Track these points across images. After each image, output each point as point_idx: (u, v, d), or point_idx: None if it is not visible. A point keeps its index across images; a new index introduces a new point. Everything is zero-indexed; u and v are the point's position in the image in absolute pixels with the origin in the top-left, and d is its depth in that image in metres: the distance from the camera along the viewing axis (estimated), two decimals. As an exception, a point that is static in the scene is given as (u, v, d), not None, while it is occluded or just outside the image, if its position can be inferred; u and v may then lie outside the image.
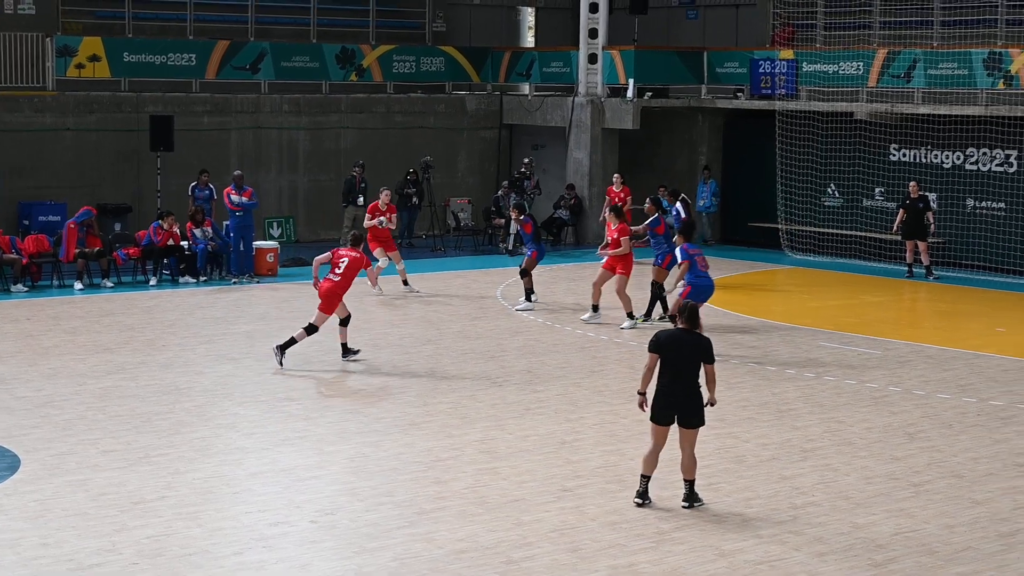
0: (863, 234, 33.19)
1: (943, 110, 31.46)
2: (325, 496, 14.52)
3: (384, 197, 28.07)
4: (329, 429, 17.28)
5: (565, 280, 28.88)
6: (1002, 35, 31.95)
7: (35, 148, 31.58)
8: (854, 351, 22.64)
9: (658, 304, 24.58)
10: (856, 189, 33.67)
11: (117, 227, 30.86)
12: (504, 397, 19.12)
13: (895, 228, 30.98)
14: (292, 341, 20.85)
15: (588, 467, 15.73)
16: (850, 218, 33.69)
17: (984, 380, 20.62)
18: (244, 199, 28.77)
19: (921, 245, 30.54)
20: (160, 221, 28.71)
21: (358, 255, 21.20)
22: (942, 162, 32.19)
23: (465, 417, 17.98)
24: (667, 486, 14.59)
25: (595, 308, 24.78)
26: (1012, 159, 30.96)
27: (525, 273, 26.00)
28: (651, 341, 14.36)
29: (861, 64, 33.13)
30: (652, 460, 14.27)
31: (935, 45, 32.62)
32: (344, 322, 21.30)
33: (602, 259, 24.61)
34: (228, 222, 29.20)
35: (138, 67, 33.43)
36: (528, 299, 26.05)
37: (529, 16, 43.60)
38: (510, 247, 33.69)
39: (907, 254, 30.89)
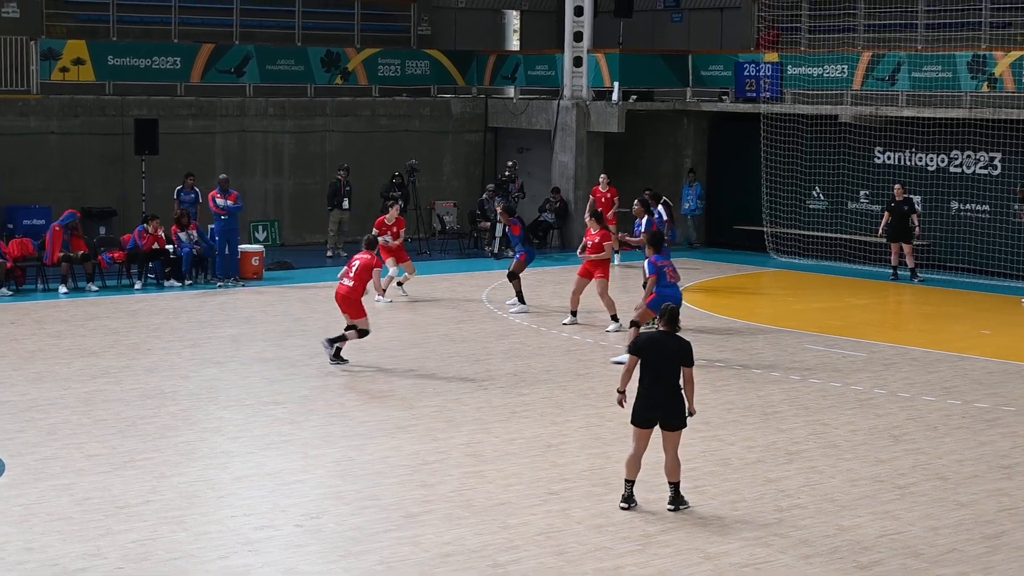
0: (848, 237, 33.23)
1: (927, 113, 31.52)
2: (310, 500, 14.51)
3: (393, 212, 28.04)
4: (314, 433, 17.27)
5: (551, 283, 28.88)
6: (986, 38, 32.03)
7: (19, 152, 31.50)
8: (839, 353, 22.67)
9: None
10: (841, 192, 33.71)
11: (102, 231, 30.80)
12: (490, 400, 19.11)
13: (881, 231, 31.02)
14: (342, 339, 21.18)
15: (574, 470, 15.73)
16: (835, 221, 33.74)
17: (969, 382, 20.66)
18: (229, 203, 28.74)
19: (906, 247, 30.59)
20: (145, 225, 28.66)
21: (369, 257, 21.25)
22: (927, 165, 32.25)
23: (451, 420, 17.97)
24: (653, 489, 14.59)
25: (574, 314, 24.83)
26: (996, 162, 31.02)
27: (513, 276, 26.01)
28: (631, 343, 14.41)
29: (846, 67, 33.19)
30: (635, 464, 14.28)
31: (919, 48, 32.69)
32: (359, 333, 21.25)
33: (580, 261, 24.74)
34: (213, 226, 29.17)
35: (123, 70, 33.38)
36: (521, 301, 26.06)
37: (514, 19, 43.63)
38: (496, 250, 33.70)
39: (892, 256, 30.93)
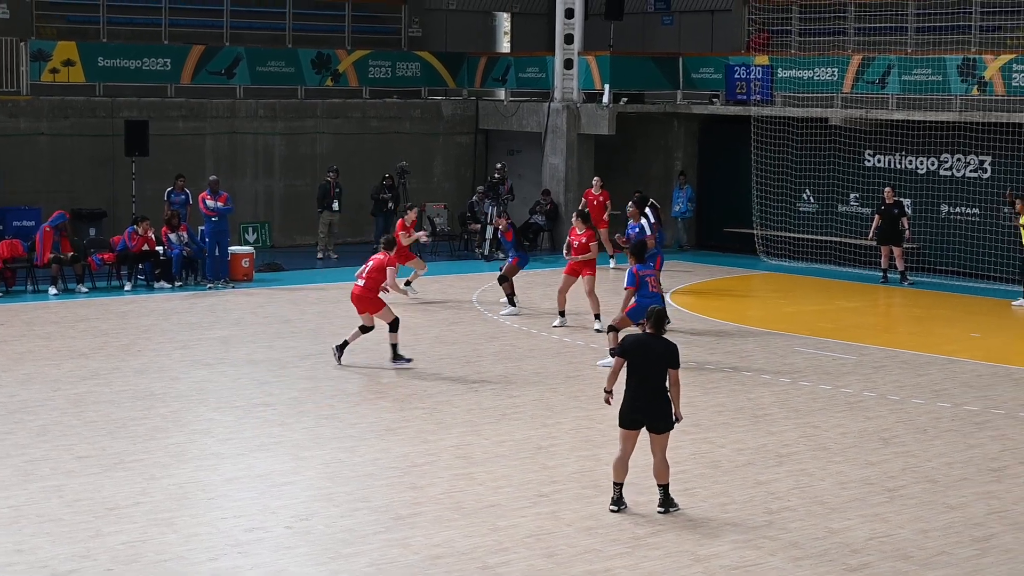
0: (838, 239, 33.27)
1: (918, 116, 31.57)
2: (300, 502, 14.50)
3: (411, 215, 28.07)
4: (304, 435, 17.26)
5: (541, 286, 28.87)
6: (976, 41, 32.08)
7: (9, 153, 31.46)
8: (829, 356, 22.69)
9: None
10: (831, 195, 33.75)
11: (92, 232, 30.78)
12: (480, 402, 19.11)
13: (871, 234, 31.05)
14: (393, 346, 21.19)
15: (564, 472, 15.74)
16: (825, 224, 33.77)
17: (958, 385, 20.69)
18: (219, 204, 28.72)
19: (896, 250, 30.63)
20: (135, 226, 28.63)
21: (382, 256, 21.26)
22: (917, 168, 32.29)
23: (441, 422, 17.97)
24: (643, 491, 14.60)
25: (562, 314, 24.86)
26: (986, 165, 31.07)
27: (504, 279, 26.02)
28: (619, 345, 14.43)
29: (836, 70, 33.23)
30: (622, 466, 14.29)
31: (909, 51, 32.74)
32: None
33: (565, 262, 24.80)
34: (203, 227, 29.15)
35: (113, 72, 33.35)
36: (511, 303, 26.08)
37: (505, 21, 43.63)
38: (486, 252, 33.71)
39: (882, 259, 30.98)
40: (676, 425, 14.43)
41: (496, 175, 35.16)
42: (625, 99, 36.16)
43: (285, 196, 35.70)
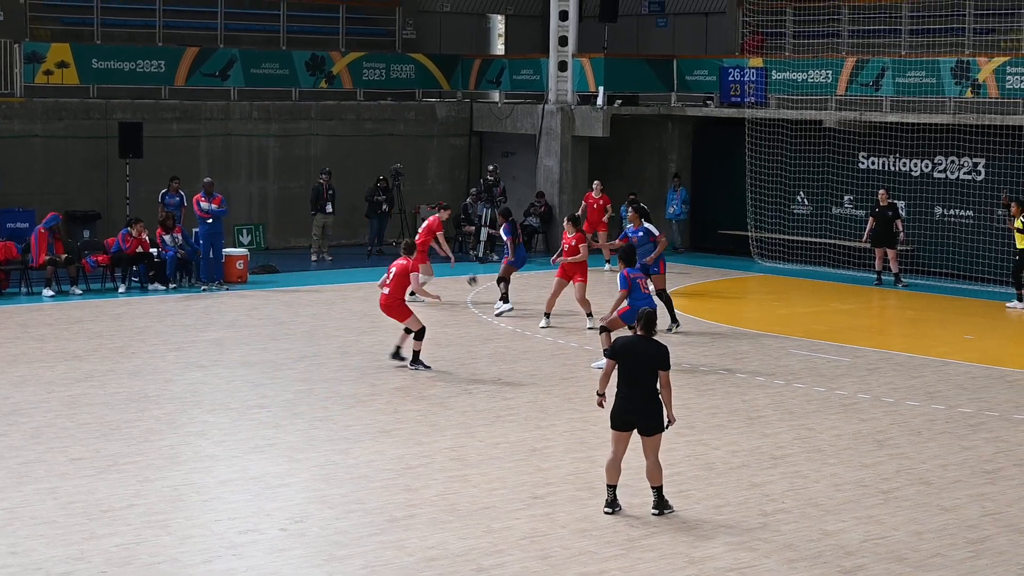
0: (832, 242, 33.29)
1: (911, 118, 31.60)
2: (295, 504, 14.49)
3: (446, 214, 28.19)
4: (299, 437, 17.25)
5: (535, 288, 28.86)
6: (969, 44, 32.12)
7: (3, 155, 31.43)
8: (823, 358, 22.70)
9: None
10: (825, 197, 33.77)
11: (86, 234, 30.76)
12: (474, 404, 19.11)
13: (865, 236, 31.07)
14: (415, 353, 21.11)
15: (558, 474, 15.74)
16: (819, 226, 33.79)
17: (952, 387, 20.71)
18: (213, 206, 28.70)
19: (890, 253, 30.66)
20: (129, 228, 28.61)
21: (404, 262, 21.14)
22: (911, 170, 32.32)
23: (435, 424, 17.97)
24: (637, 493, 14.60)
25: (547, 315, 25.01)
26: (980, 167, 31.10)
27: (503, 279, 26.18)
28: (610, 347, 14.45)
29: (830, 72, 33.26)
30: (614, 468, 14.29)
31: (903, 54, 32.77)
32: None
33: (556, 266, 24.91)
34: (197, 229, 29.14)
35: (107, 74, 33.34)
36: (505, 301, 26.21)
37: (499, 24, 43.62)
38: (480, 254, 33.71)
39: (876, 262, 31.01)
40: (670, 428, 14.45)
41: (489, 177, 35.16)
42: (619, 101, 36.18)
43: (279, 198, 35.70)
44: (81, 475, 15.36)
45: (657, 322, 14.74)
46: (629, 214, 25.61)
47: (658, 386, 14.14)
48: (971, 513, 14.59)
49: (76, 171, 32.48)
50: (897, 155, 32.42)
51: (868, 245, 31.14)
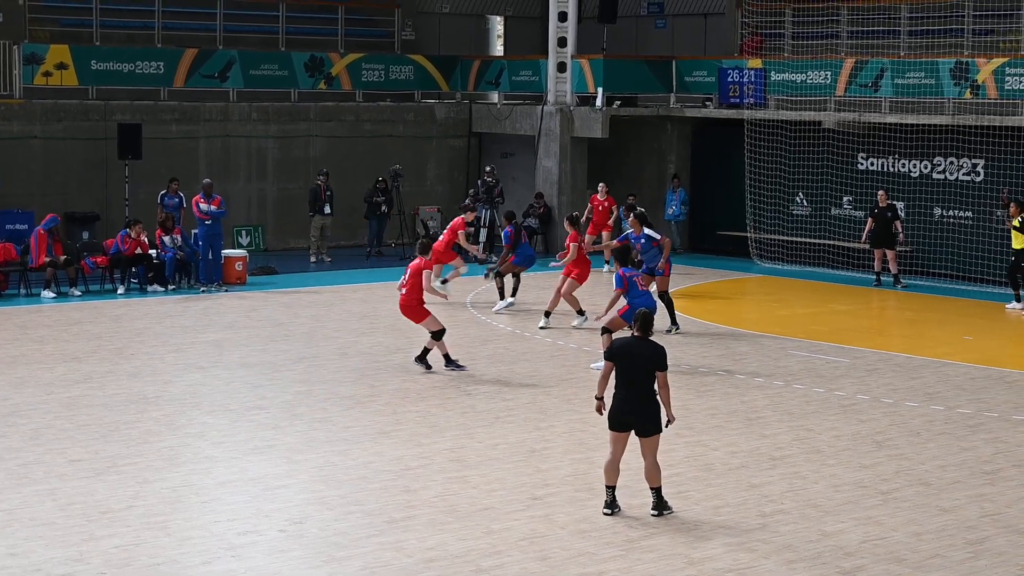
0: (831, 243, 33.29)
1: (911, 119, 31.61)
2: (294, 505, 14.49)
3: (471, 215, 28.48)
4: (298, 438, 17.25)
5: (535, 289, 28.84)
6: (968, 45, 32.12)
7: (2, 156, 31.41)
8: (823, 359, 22.70)
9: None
10: (824, 198, 33.78)
11: (85, 235, 30.75)
12: (473, 406, 19.11)
13: (864, 237, 31.08)
14: (445, 355, 21.10)
15: (558, 475, 15.74)
16: (818, 227, 33.80)
17: (951, 388, 20.71)
18: (213, 207, 28.70)
19: (889, 254, 30.67)
20: (128, 229, 28.60)
21: (419, 261, 21.10)
22: (910, 171, 32.33)
23: (434, 426, 17.97)
24: (636, 494, 14.60)
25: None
26: (979, 168, 31.10)
27: (499, 274, 26.64)
28: (607, 349, 14.45)
29: (829, 73, 33.26)
30: (613, 469, 14.29)
31: (902, 55, 32.78)
32: (433, 335, 21.12)
33: (559, 268, 25.05)
34: (197, 230, 29.13)
35: (106, 75, 33.33)
36: (502, 297, 26.52)
37: (498, 25, 43.62)
38: (480, 255, 33.71)
39: (875, 262, 31.02)
40: (669, 427, 14.46)
41: (488, 178, 35.12)
42: (618, 102, 36.18)
43: (278, 199, 35.70)
44: (80, 476, 15.36)
45: (654, 323, 14.75)
46: (630, 220, 25.62)
47: (656, 387, 14.15)
48: (970, 514, 14.59)
49: (75, 172, 32.48)
50: (896, 156, 32.43)
51: (867, 246, 31.15)
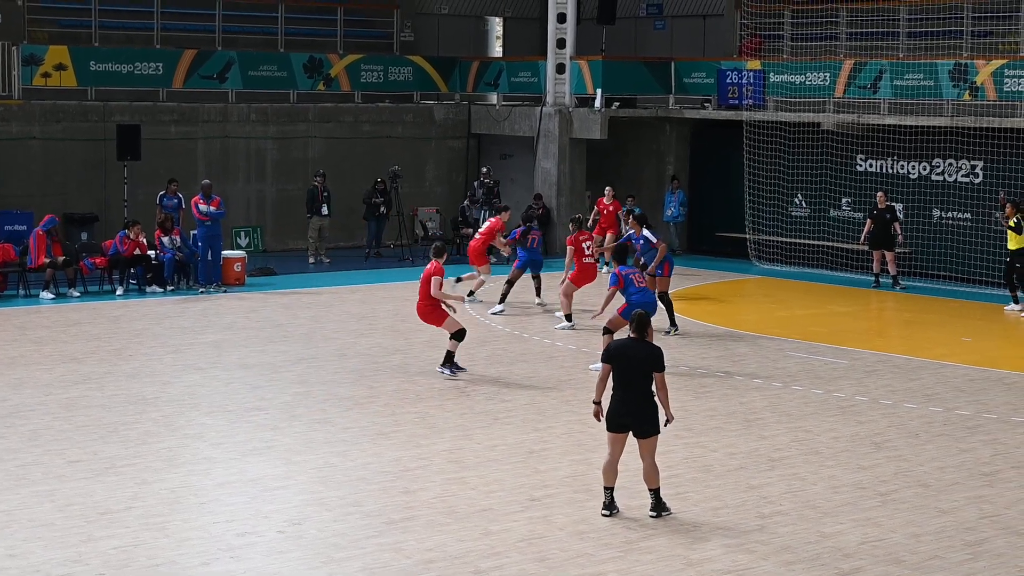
0: (830, 244, 33.30)
1: (909, 121, 31.61)
2: (293, 506, 14.49)
3: (506, 216, 28.43)
4: (297, 439, 17.25)
5: (532, 290, 28.82)
6: (967, 46, 32.12)
7: (1, 157, 31.41)
8: (821, 361, 22.71)
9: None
10: (823, 199, 33.78)
11: (84, 236, 30.75)
12: (472, 407, 19.11)
13: (863, 238, 31.08)
14: (448, 353, 20.96)
15: (556, 477, 15.74)
16: (817, 228, 33.80)
17: (950, 390, 20.71)
18: (212, 208, 28.69)
19: (888, 255, 30.67)
20: (126, 230, 28.60)
21: (431, 266, 20.95)
22: (908, 173, 32.33)
23: (433, 427, 17.97)
24: (635, 495, 14.60)
25: (568, 317, 25.15)
26: (978, 170, 31.11)
27: (509, 282, 26.95)
28: (604, 351, 14.46)
29: (828, 75, 33.26)
30: (611, 470, 14.29)
31: (901, 56, 32.78)
32: (453, 335, 20.96)
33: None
34: (196, 231, 29.14)
35: (105, 76, 33.32)
36: (500, 301, 26.84)
37: (497, 26, 43.62)
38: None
39: (874, 264, 31.03)
40: (668, 427, 14.47)
41: (487, 179, 35.07)
42: (617, 103, 36.19)
43: (277, 200, 35.69)
44: (79, 477, 15.36)
45: (651, 324, 14.75)
46: (629, 221, 25.71)
47: (654, 388, 14.15)
48: (969, 515, 14.60)
49: (74, 173, 32.47)
50: (895, 157, 32.43)
51: (866, 247, 31.15)
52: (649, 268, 24.00)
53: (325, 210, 33.45)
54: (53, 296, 27.37)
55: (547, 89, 36.56)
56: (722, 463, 16.48)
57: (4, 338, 23.45)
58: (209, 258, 28.88)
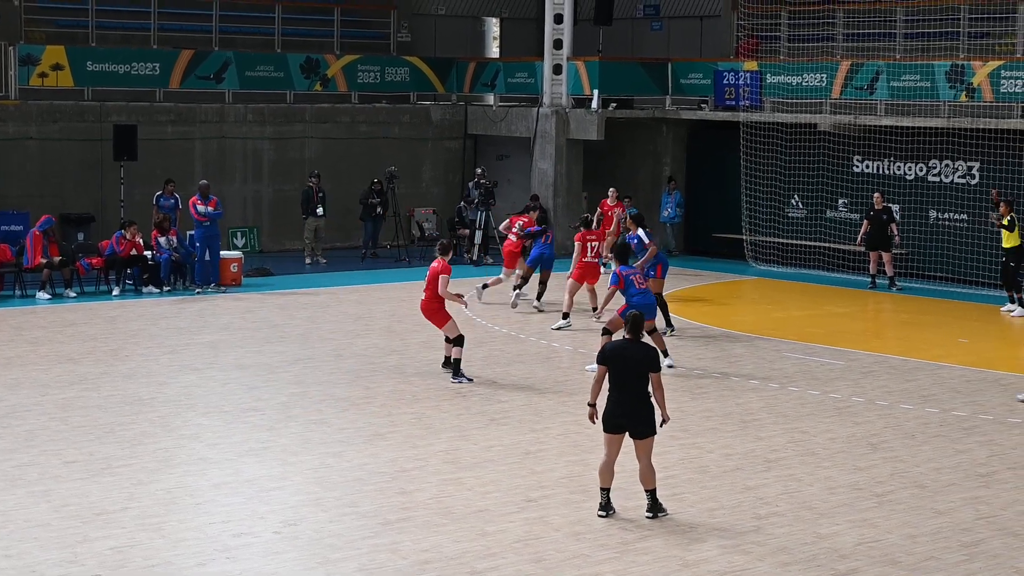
0: (827, 245, 33.30)
1: (906, 122, 31.62)
2: (289, 507, 14.48)
3: (535, 216, 28.58)
4: (293, 440, 17.24)
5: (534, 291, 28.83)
6: (964, 48, 32.13)
7: (-2, 157, 31.46)
8: (818, 362, 22.71)
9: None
10: (820, 200, 33.78)
11: (80, 237, 30.73)
12: (468, 408, 19.11)
13: (859, 239, 31.10)
14: (455, 362, 20.75)
15: (552, 477, 15.73)
16: (814, 229, 33.80)
17: (946, 390, 20.72)
18: (210, 209, 28.69)
19: (885, 256, 30.68)
20: (123, 231, 28.58)
21: (437, 264, 20.79)
22: (905, 174, 32.34)
23: (429, 427, 17.97)
24: (631, 496, 14.60)
25: (565, 316, 25.29)
26: (974, 171, 31.12)
27: (523, 278, 27.25)
28: (599, 352, 14.47)
29: (825, 76, 33.27)
30: (607, 471, 14.30)
31: (898, 57, 32.79)
32: (453, 341, 20.80)
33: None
34: (193, 232, 29.13)
35: (101, 76, 33.30)
36: (517, 287, 27.21)
37: (494, 27, 43.64)
38: (475, 257, 33.70)
39: (871, 265, 31.03)
40: (664, 428, 14.47)
41: (483, 180, 34.98)
42: (614, 104, 36.20)
43: (274, 201, 35.68)
44: (75, 478, 15.35)
45: (645, 325, 14.76)
46: (626, 221, 25.79)
47: (649, 389, 14.15)
48: (965, 516, 14.60)
49: (71, 173, 32.45)
50: (892, 159, 32.44)
51: (863, 248, 31.16)
52: (638, 266, 24.04)
53: (320, 211, 33.42)
54: (49, 296, 27.36)
55: (544, 90, 36.55)
56: (718, 464, 16.48)
57: (0, 338, 23.43)
58: (207, 258, 28.86)
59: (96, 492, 14.80)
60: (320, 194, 33.43)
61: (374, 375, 21.08)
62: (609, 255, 25.76)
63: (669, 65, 36.85)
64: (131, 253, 28.47)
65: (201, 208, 28.62)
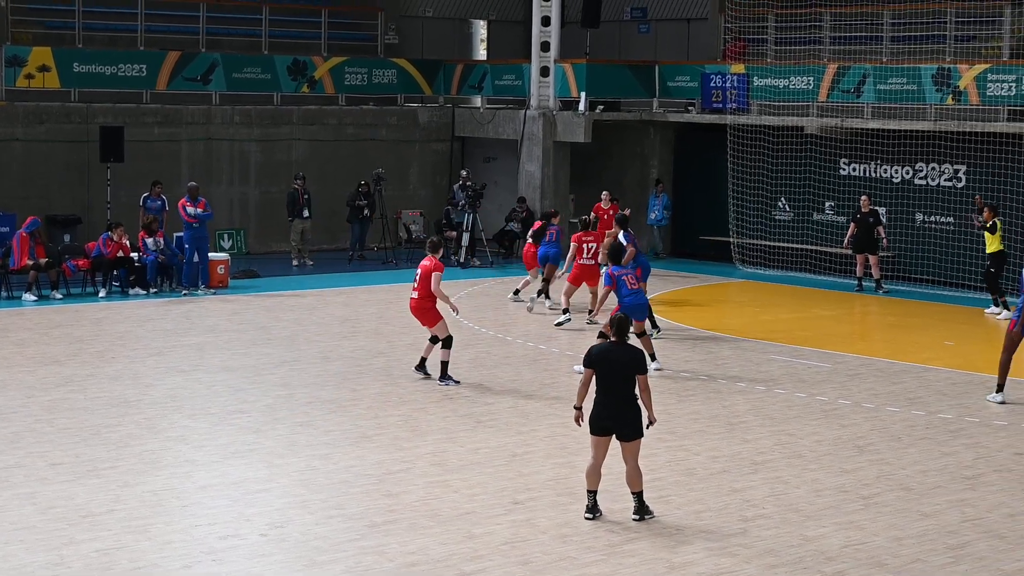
0: (814, 248, 33.34)
1: (893, 125, 31.67)
2: (275, 509, 14.47)
3: (556, 220, 28.62)
4: (279, 442, 17.22)
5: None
6: (950, 51, 32.18)
7: (-16, 159, 31.40)
8: (804, 364, 22.73)
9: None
10: (807, 203, 33.82)
11: (66, 238, 30.68)
12: (455, 410, 19.10)
13: (846, 242, 31.15)
14: (443, 364, 20.63)
15: (539, 480, 15.73)
16: (801, 232, 33.84)
17: (933, 393, 20.75)
18: (199, 210, 28.64)
19: (872, 259, 30.73)
20: (109, 232, 28.53)
21: (429, 263, 20.59)
22: (892, 177, 32.39)
23: (416, 430, 17.96)
24: (618, 499, 14.60)
25: (565, 311, 25.53)
26: (960, 174, 31.17)
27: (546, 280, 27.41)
28: (585, 355, 14.48)
29: (811, 79, 33.31)
30: (594, 474, 14.30)
31: (885, 60, 32.83)
32: (443, 342, 20.68)
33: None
34: (180, 233, 29.09)
35: (88, 77, 33.26)
36: (543, 295, 27.41)
37: (481, 29, 43.64)
38: (462, 259, 33.69)
39: (857, 268, 31.07)
40: (650, 430, 14.48)
41: (469, 182, 34.92)
42: (601, 107, 36.22)
43: (261, 203, 35.64)
44: (61, 480, 15.32)
45: (631, 327, 14.77)
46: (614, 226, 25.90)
47: (636, 391, 14.15)
48: (951, 519, 14.62)
49: (57, 175, 32.40)
50: (878, 161, 32.49)
51: (849, 251, 31.21)
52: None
53: (306, 213, 33.41)
54: (36, 298, 27.30)
55: (531, 92, 36.56)
56: (705, 466, 16.49)
57: (-14, 340, 23.40)
58: (196, 260, 28.82)
59: (82, 494, 14.77)
60: (305, 196, 33.40)
61: (361, 377, 21.06)
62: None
63: (656, 68, 36.88)
64: (118, 255, 28.42)
65: (191, 210, 28.58)
